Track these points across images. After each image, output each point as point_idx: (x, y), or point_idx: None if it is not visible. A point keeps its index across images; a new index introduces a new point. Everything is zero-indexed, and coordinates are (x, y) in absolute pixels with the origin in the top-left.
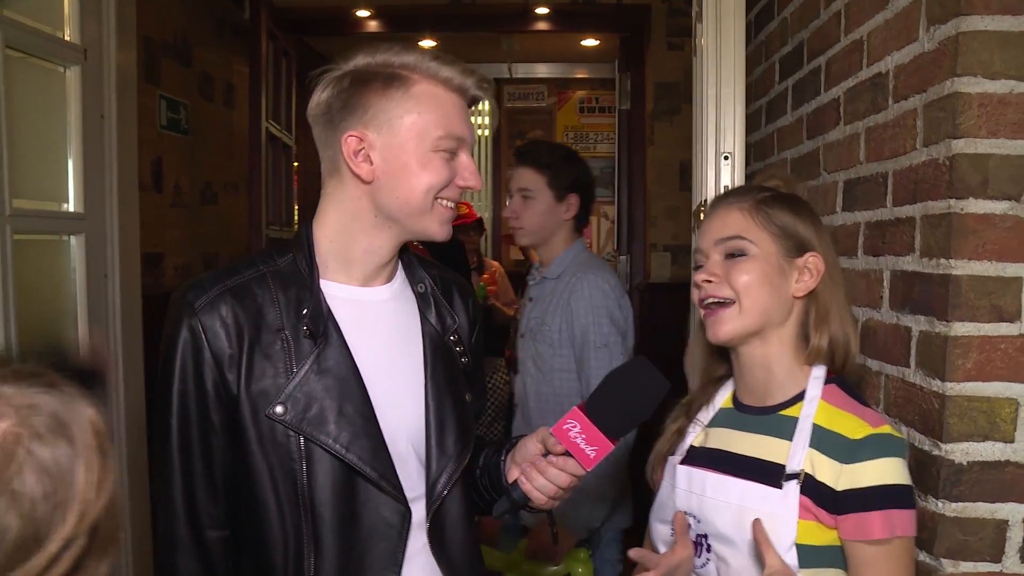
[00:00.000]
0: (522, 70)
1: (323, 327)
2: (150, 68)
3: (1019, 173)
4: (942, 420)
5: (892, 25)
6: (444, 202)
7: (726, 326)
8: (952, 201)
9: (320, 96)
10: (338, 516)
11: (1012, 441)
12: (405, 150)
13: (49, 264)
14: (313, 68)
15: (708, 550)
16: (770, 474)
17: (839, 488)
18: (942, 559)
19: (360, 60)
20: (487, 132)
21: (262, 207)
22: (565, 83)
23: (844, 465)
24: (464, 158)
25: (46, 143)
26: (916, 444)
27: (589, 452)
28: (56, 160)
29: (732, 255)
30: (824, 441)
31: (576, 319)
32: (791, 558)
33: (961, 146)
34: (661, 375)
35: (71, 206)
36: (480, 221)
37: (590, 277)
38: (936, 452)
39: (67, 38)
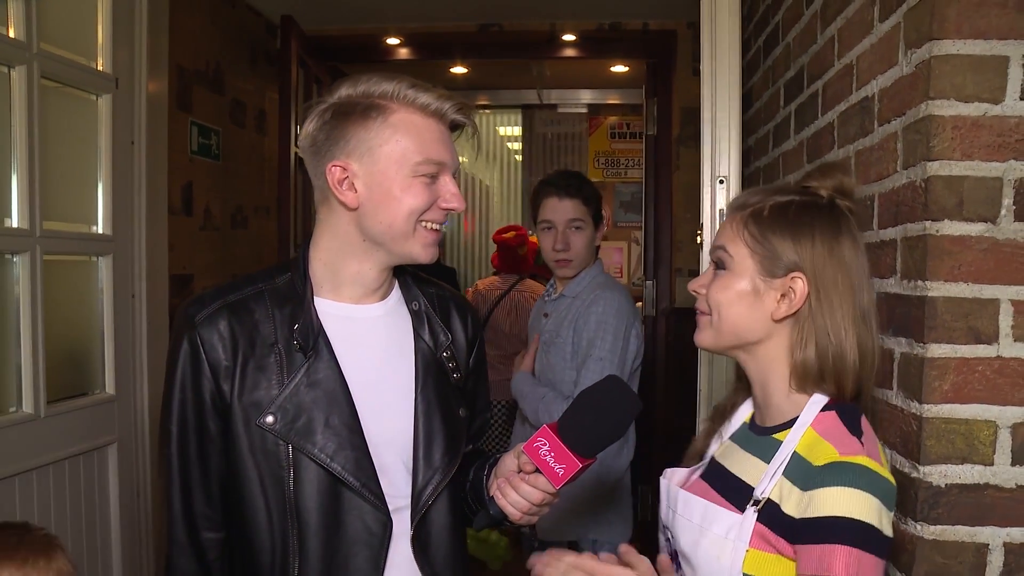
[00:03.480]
0: (554, 96)
1: (313, 341)
2: (182, 96)
3: (994, 195)
4: (919, 442)
5: (876, 49)
6: (428, 224)
7: (701, 334)
8: (928, 223)
9: (307, 129)
10: (323, 523)
11: (991, 464)
12: (387, 176)
13: (78, 284)
14: None
15: (679, 568)
16: (743, 497)
17: (796, 516)
18: None
19: (343, 92)
20: (519, 157)
21: (291, 230)
22: (596, 109)
23: (803, 492)
24: (445, 181)
25: (77, 168)
26: (897, 467)
27: (558, 470)
28: (87, 184)
29: (718, 266)
30: (795, 469)
31: (585, 331)
32: None
33: (936, 168)
34: (634, 394)
35: (100, 228)
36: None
37: (607, 295)
38: (915, 474)
39: (100, 67)
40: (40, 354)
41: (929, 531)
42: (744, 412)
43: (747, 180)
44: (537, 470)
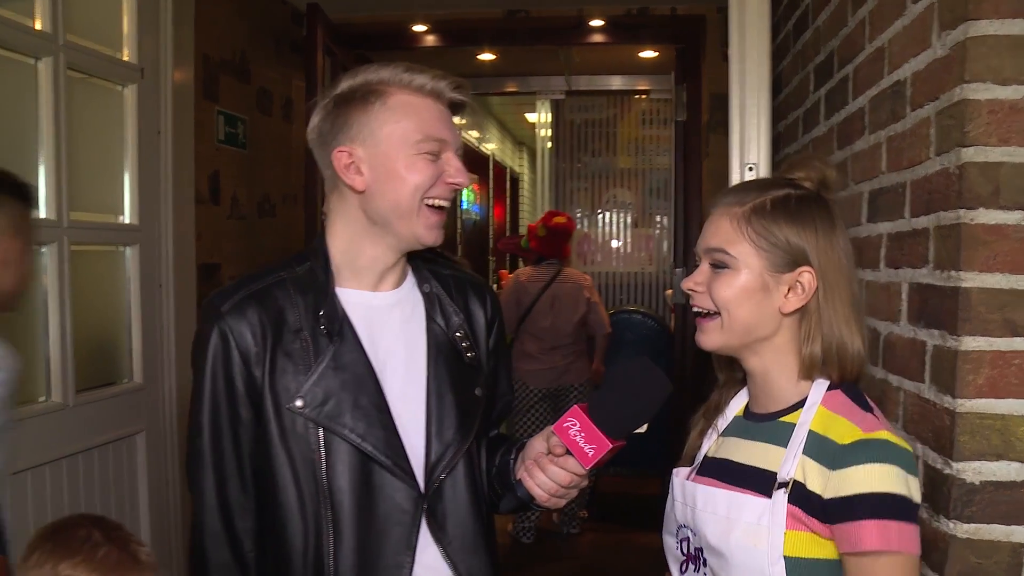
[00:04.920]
0: (584, 83)
1: (339, 327)
2: (209, 85)
3: None
4: (952, 438)
5: (909, 32)
6: (434, 202)
7: (710, 337)
8: (962, 211)
9: (313, 122)
10: (356, 503)
11: None
12: (389, 157)
13: (105, 274)
14: None
15: (704, 564)
16: (764, 483)
17: (827, 496)
18: None
19: (344, 84)
20: (549, 144)
21: (318, 218)
22: (626, 95)
23: (831, 472)
24: (448, 157)
25: (104, 158)
26: (929, 462)
27: (588, 450)
28: (113, 174)
29: (716, 266)
30: (815, 447)
31: None
32: (779, 570)
33: (971, 154)
34: (663, 375)
35: (127, 218)
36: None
37: None
38: (947, 471)
39: (125, 58)
40: (68, 344)
41: (963, 529)
42: (736, 405)
43: (777, 167)
44: (567, 451)
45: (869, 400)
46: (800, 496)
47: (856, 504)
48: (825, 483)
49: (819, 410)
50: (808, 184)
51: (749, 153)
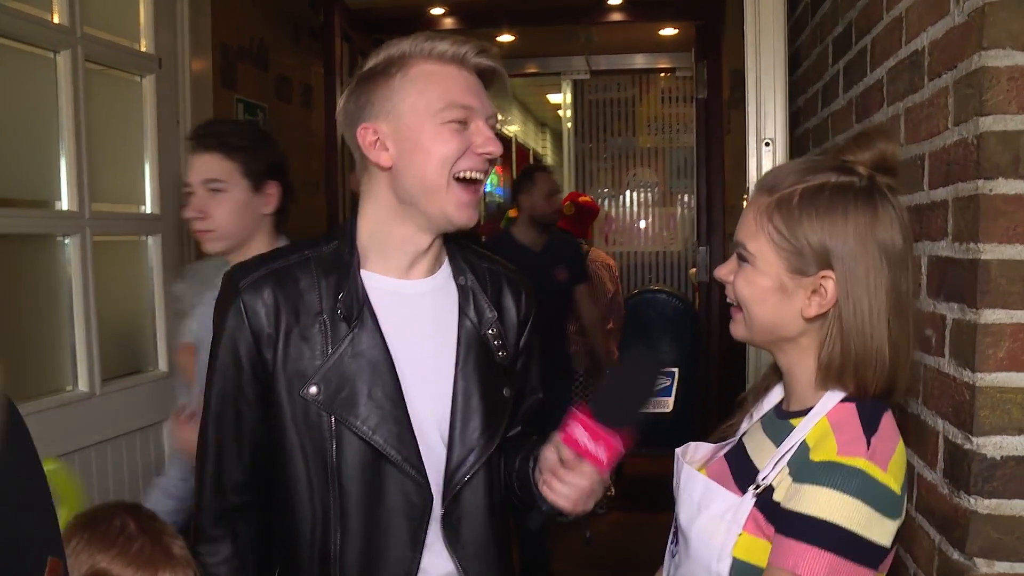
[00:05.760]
0: (605, 62)
1: (358, 311)
2: (227, 73)
3: None
4: (973, 412)
5: (927, 0)
6: (466, 174)
7: (736, 329)
8: (980, 182)
9: (340, 105)
10: (364, 492)
11: None
12: (413, 129)
13: (128, 263)
14: None
15: (677, 543)
16: (749, 479)
17: (784, 505)
18: (975, 558)
19: (367, 64)
20: (569, 125)
21: (339, 204)
22: (648, 74)
23: (793, 483)
24: (478, 126)
25: (124, 149)
26: (949, 437)
27: (598, 453)
28: (134, 165)
29: (741, 259)
30: (799, 458)
31: None
32: (723, 568)
33: (989, 123)
34: (653, 352)
35: (148, 208)
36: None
37: None
38: (968, 446)
39: (143, 49)
40: (93, 333)
41: (984, 505)
42: (776, 396)
43: (796, 142)
44: (579, 457)
45: (884, 422)
46: (766, 502)
47: (804, 525)
48: (786, 493)
49: (821, 421)
50: (861, 168)
51: (766, 128)
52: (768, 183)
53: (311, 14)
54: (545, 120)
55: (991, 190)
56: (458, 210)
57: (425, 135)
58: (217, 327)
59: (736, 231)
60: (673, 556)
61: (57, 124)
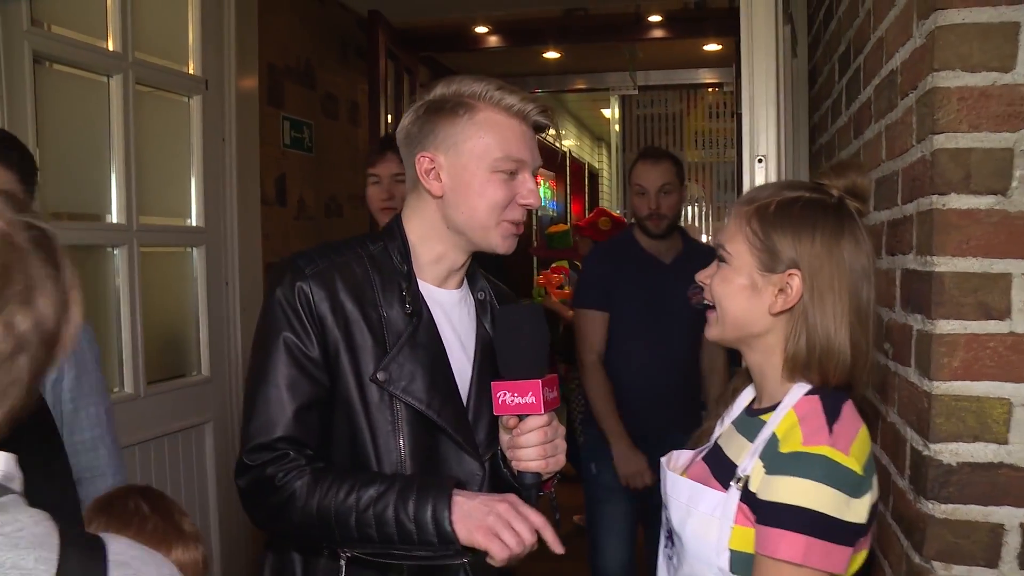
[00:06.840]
0: (652, 77)
1: (420, 307)
2: (274, 92)
3: (1004, 167)
4: (929, 420)
5: (899, 21)
6: (508, 218)
7: (710, 331)
8: (935, 197)
9: (404, 123)
10: (428, 472)
11: (1005, 443)
12: (467, 170)
13: (174, 273)
14: None
15: (672, 545)
16: (729, 474)
17: (760, 496)
18: (933, 561)
19: (437, 91)
20: (618, 139)
21: None
22: (695, 88)
23: (766, 475)
24: (524, 178)
25: (171, 165)
26: (912, 444)
27: (529, 401)
28: (180, 180)
29: (720, 260)
30: (770, 450)
31: None
32: (723, 562)
33: (942, 141)
34: (521, 304)
35: (193, 221)
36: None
37: None
38: (926, 452)
39: (190, 71)
40: (139, 339)
41: (940, 509)
42: (746, 397)
43: (813, 158)
44: (519, 417)
45: (845, 410)
46: (747, 494)
47: (779, 512)
48: (759, 483)
49: (789, 414)
50: (834, 191)
51: (759, 145)
52: (749, 196)
53: (358, 33)
54: (601, 134)
55: (944, 205)
56: (503, 241)
57: (478, 179)
58: (274, 306)
59: (718, 236)
60: (670, 559)
61: (108, 143)
